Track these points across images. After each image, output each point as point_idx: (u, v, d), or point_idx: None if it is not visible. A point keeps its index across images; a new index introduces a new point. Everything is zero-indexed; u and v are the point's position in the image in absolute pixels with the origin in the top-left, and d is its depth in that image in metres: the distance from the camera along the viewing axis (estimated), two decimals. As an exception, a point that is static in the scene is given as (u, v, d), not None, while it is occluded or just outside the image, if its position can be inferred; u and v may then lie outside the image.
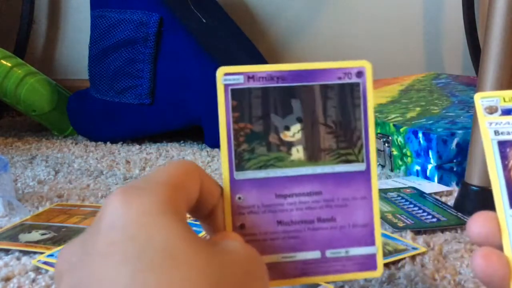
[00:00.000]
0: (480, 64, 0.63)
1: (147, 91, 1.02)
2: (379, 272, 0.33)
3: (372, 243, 0.33)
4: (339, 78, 0.34)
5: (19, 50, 1.33)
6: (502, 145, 0.33)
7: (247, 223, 0.33)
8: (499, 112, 0.34)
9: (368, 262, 0.33)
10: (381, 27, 1.47)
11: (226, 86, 0.33)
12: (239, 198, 0.33)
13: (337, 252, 0.33)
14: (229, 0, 1.39)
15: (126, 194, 0.27)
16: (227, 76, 0.33)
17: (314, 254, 0.33)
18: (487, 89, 0.61)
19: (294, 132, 0.34)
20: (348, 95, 0.34)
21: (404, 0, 1.46)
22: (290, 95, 0.34)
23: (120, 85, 1.04)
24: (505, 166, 0.33)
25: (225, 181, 0.33)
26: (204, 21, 1.10)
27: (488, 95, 0.35)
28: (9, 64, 1.08)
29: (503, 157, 0.33)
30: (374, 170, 0.34)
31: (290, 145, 0.34)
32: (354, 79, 0.35)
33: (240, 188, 0.33)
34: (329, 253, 0.33)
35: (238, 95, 0.33)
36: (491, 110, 0.34)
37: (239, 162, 0.33)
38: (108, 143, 1.05)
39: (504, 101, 0.35)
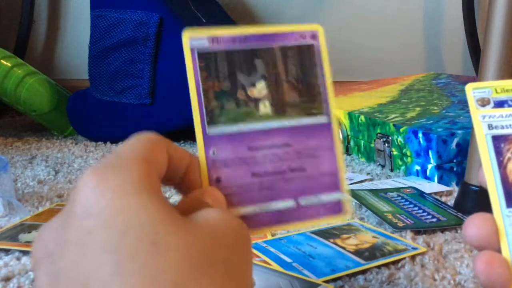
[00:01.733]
0: (480, 64, 0.63)
1: (147, 91, 1.02)
2: (346, 215, 0.36)
3: (338, 189, 0.36)
4: (296, 40, 0.37)
5: (19, 50, 1.33)
6: (497, 140, 0.31)
7: (223, 177, 0.34)
8: (492, 104, 0.33)
9: (336, 207, 0.36)
10: (381, 27, 1.47)
11: (192, 50, 0.35)
12: (213, 152, 0.34)
13: (309, 199, 0.35)
14: (229, 0, 1.39)
15: (99, 174, 0.26)
16: (193, 41, 0.35)
17: (288, 203, 0.35)
18: (487, 89, 0.61)
19: (259, 89, 0.36)
20: (305, 55, 0.37)
21: (405, 0, 1.46)
22: (253, 55, 0.36)
23: (120, 85, 1.04)
24: (500, 163, 0.31)
25: (198, 137, 0.34)
26: (204, 21, 1.10)
27: (480, 85, 0.33)
28: (9, 64, 1.08)
29: (498, 152, 0.31)
30: (335, 123, 0.36)
31: (257, 100, 0.36)
32: (310, 41, 0.37)
33: (213, 142, 0.34)
34: (302, 201, 0.35)
35: (204, 56, 0.35)
36: (483, 102, 0.33)
37: (210, 118, 0.35)
38: (108, 143, 1.05)
39: (496, 92, 0.33)
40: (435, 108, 0.93)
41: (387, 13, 1.47)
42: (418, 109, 0.92)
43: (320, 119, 0.36)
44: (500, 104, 0.32)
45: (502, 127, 0.31)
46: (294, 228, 0.35)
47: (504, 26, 0.60)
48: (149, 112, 1.03)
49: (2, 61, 1.07)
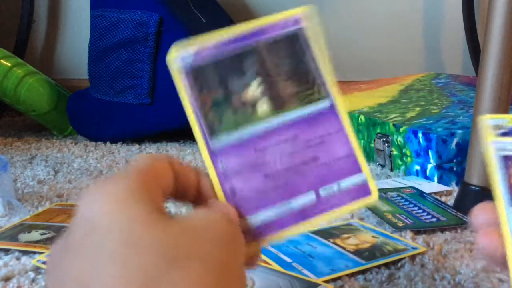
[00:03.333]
0: (480, 64, 0.63)
1: (147, 91, 1.02)
2: (374, 197, 0.34)
3: (359, 170, 0.34)
4: (280, 30, 0.36)
5: (19, 50, 1.33)
6: (505, 158, 0.35)
7: (237, 186, 0.33)
8: (505, 130, 0.36)
9: (361, 189, 0.34)
10: (381, 27, 1.47)
11: (179, 68, 0.35)
12: (222, 166, 0.34)
13: (330, 188, 0.34)
14: (229, 0, 1.39)
15: (98, 185, 0.29)
16: (177, 60, 0.35)
17: (309, 196, 0.33)
18: (487, 89, 0.61)
19: (253, 90, 0.35)
20: (292, 44, 0.36)
21: (404, 0, 1.46)
22: (239, 58, 0.35)
23: (120, 85, 1.04)
24: (508, 175, 0.35)
25: (203, 153, 0.34)
26: (204, 21, 1.10)
27: (496, 116, 0.37)
28: (9, 64, 1.07)
29: (505, 167, 0.35)
30: (340, 103, 0.35)
31: (254, 101, 0.35)
32: (293, 28, 0.36)
33: (219, 155, 0.34)
34: (322, 191, 0.34)
35: (191, 72, 0.35)
36: (499, 128, 0.36)
37: (210, 131, 0.34)
38: (108, 143, 1.05)
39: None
40: (435, 108, 0.93)
41: (387, 13, 1.47)
42: (418, 109, 0.92)
43: (322, 104, 0.35)
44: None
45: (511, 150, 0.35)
46: (321, 221, 0.34)
47: (504, 26, 0.60)
48: (149, 112, 1.03)
49: (1, 61, 1.07)
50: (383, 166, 0.86)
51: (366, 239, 0.57)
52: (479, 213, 0.36)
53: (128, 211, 0.27)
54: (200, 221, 0.29)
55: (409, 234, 0.59)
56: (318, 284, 0.48)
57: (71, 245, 0.27)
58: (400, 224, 0.61)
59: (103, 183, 0.29)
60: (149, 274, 0.25)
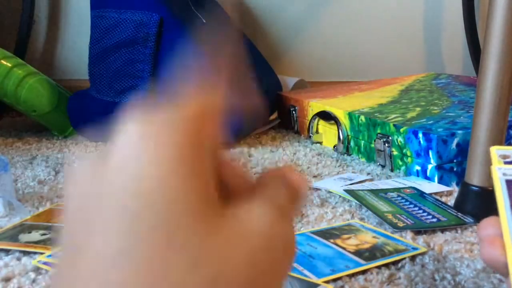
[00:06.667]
0: (480, 64, 0.63)
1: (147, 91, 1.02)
2: None
3: None
4: None
5: (19, 50, 1.33)
6: (509, 182, 0.40)
7: None
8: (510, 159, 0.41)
9: None
10: (381, 27, 1.47)
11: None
12: None
13: None
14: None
15: (145, 125, 0.22)
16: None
17: None
18: (487, 89, 0.61)
19: None
20: None
21: (405, 0, 1.46)
22: None
23: (120, 85, 1.04)
24: (510, 195, 0.39)
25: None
26: (204, 21, 1.10)
27: (503, 148, 0.42)
28: (10, 65, 1.07)
29: (509, 188, 0.39)
30: None
31: None
32: None
33: None
34: None
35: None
36: (505, 157, 0.41)
37: None
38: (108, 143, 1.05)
39: None
40: (435, 108, 0.93)
41: (387, 13, 1.47)
42: (418, 109, 0.92)
43: None
44: None
45: None
46: None
47: (504, 26, 0.60)
48: (149, 112, 1.03)
49: (2, 61, 1.07)
50: (383, 166, 0.86)
51: (366, 239, 0.57)
52: (485, 227, 0.38)
53: (179, 186, 0.20)
54: (263, 235, 0.22)
55: (409, 235, 0.59)
56: (318, 285, 0.48)
57: (100, 201, 0.21)
58: (401, 224, 0.61)
59: (151, 126, 0.22)
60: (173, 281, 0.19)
